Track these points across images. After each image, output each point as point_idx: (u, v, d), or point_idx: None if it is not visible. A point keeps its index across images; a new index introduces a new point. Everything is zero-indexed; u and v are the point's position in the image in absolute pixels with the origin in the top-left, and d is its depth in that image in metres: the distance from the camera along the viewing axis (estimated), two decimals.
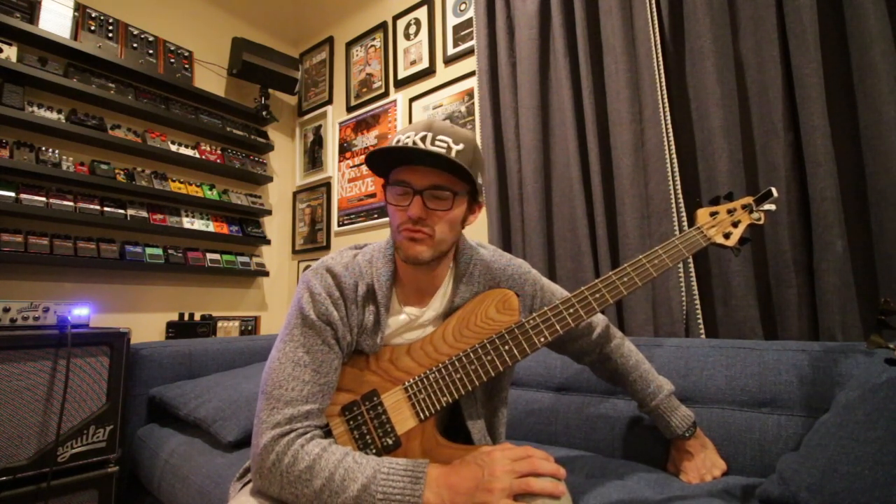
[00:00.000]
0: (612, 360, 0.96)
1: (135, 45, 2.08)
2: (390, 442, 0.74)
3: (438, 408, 0.75)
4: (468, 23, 1.98)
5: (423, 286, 0.83)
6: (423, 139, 0.73)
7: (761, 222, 0.89)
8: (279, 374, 0.72)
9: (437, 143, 0.73)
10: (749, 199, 0.90)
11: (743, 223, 0.88)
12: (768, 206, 0.89)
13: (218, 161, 2.30)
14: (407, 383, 0.77)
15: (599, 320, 0.97)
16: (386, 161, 0.77)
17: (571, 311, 0.79)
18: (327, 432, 0.74)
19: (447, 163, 0.71)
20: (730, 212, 0.89)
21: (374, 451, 0.73)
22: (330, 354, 0.75)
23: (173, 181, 2.13)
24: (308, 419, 0.70)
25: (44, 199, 1.75)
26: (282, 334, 0.77)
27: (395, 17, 2.30)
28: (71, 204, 1.81)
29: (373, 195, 2.31)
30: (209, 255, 2.23)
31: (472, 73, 1.92)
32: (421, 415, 0.75)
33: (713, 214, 0.89)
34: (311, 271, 0.80)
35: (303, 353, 0.73)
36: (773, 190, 0.88)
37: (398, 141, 0.74)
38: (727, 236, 0.87)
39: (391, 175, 0.78)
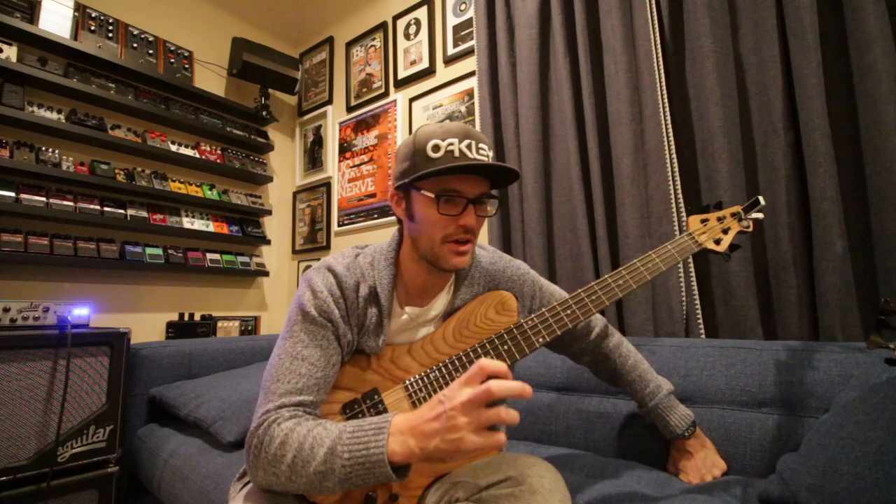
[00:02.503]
0: (611, 361, 0.96)
1: (135, 45, 2.08)
2: None
3: None
4: (468, 23, 1.98)
5: (426, 287, 0.84)
6: (469, 147, 0.72)
7: (750, 230, 0.92)
8: (277, 369, 0.72)
9: (479, 151, 0.73)
10: (738, 208, 0.93)
11: (732, 230, 0.91)
12: (756, 215, 0.92)
13: (218, 161, 2.30)
14: (407, 382, 0.77)
15: (598, 321, 0.97)
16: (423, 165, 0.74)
17: (569, 312, 0.81)
18: None
19: (509, 173, 0.74)
20: (720, 219, 0.92)
21: None
22: (329, 350, 0.75)
23: (173, 181, 2.13)
24: (299, 408, 0.70)
25: (44, 199, 1.75)
26: (283, 332, 0.77)
27: (395, 17, 2.30)
28: (71, 204, 1.81)
29: (373, 195, 2.31)
30: (209, 255, 2.23)
31: (472, 73, 1.92)
32: None
33: (704, 221, 0.93)
34: (314, 270, 0.80)
35: (301, 348, 0.73)
36: (761, 199, 0.92)
37: (437, 147, 0.72)
38: (717, 242, 0.90)
39: (429, 182, 0.74)
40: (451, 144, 0.72)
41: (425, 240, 0.76)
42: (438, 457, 0.57)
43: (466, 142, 0.72)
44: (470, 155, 0.71)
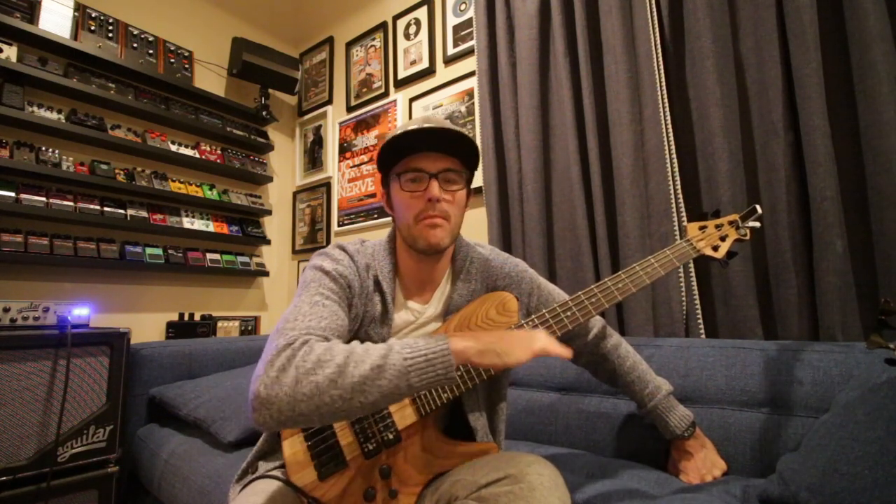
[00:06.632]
0: (610, 362, 0.96)
1: (135, 45, 2.08)
2: (391, 437, 0.74)
3: (439, 403, 0.76)
4: (468, 23, 1.98)
5: (423, 280, 0.85)
6: None
7: (747, 238, 0.94)
8: (294, 314, 0.68)
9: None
10: (735, 216, 0.95)
11: (730, 238, 0.93)
12: (753, 224, 0.94)
13: (218, 161, 2.30)
14: None
15: (596, 322, 0.97)
16: (393, 154, 0.80)
17: (569, 314, 0.81)
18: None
19: (461, 139, 0.76)
20: (717, 227, 0.94)
21: (373, 445, 0.73)
22: (343, 308, 0.75)
23: (173, 181, 2.13)
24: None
25: (44, 199, 1.75)
26: (297, 293, 0.75)
27: (395, 17, 2.30)
28: (71, 204, 1.81)
29: (373, 195, 2.31)
30: (209, 255, 2.23)
31: (472, 73, 1.92)
32: (422, 410, 0.76)
33: (702, 228, 0.95)
34: (327, 248, 0.83)
35: (321, 298, 0.72)
36: (758, 207, 0.93)
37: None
38: (715, 249, 0.92)
39: (398, 167, 0.80)
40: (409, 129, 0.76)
41: (403, 224, 0.81)
42: (488, 358, 0.63)
43: (424, 125, 0.76)
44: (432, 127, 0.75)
